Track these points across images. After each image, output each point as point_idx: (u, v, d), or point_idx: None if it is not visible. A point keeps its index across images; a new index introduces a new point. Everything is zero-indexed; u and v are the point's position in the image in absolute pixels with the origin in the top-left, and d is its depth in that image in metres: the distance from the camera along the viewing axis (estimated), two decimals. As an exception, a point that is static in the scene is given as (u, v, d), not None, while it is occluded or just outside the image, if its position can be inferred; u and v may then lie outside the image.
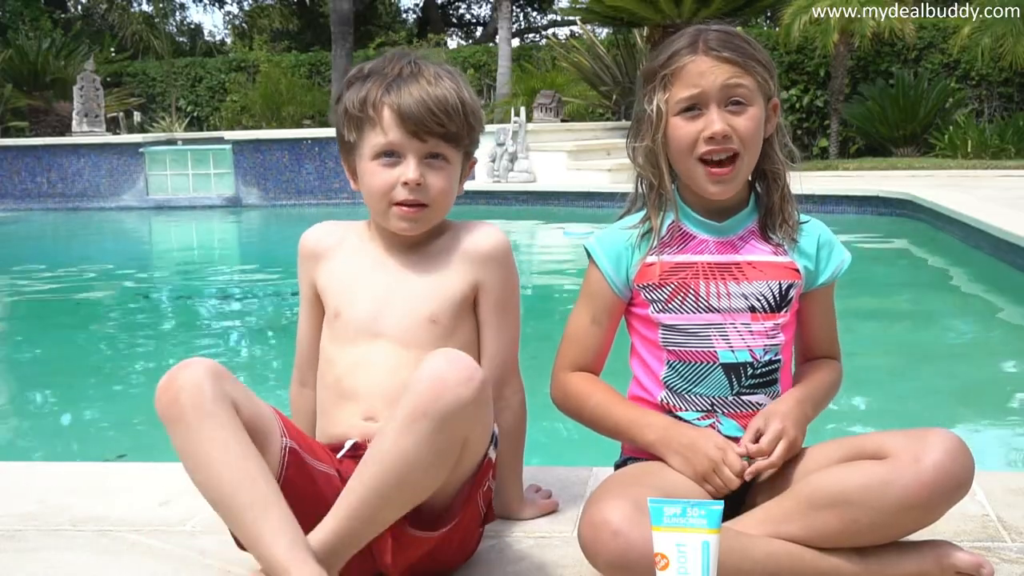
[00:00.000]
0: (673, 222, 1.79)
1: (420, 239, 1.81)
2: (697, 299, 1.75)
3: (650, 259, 1.78)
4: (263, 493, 1.49)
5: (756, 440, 1.67)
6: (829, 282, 1.82)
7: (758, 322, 1.75)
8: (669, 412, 1.77)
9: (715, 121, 1.68)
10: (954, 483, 1.53)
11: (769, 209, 1.79)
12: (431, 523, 1.59)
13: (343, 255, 1.84)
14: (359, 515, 1.50)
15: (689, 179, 1.76)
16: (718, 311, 1.74)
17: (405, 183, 1.71)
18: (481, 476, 1.64)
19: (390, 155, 1.73)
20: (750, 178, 1.80)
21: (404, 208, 1.73)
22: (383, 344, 1.75)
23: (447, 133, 1.72)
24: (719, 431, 1.73)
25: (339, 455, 1.70)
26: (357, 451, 1.69)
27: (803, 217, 1.81)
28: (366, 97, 1.73)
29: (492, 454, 1.65)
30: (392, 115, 1.70)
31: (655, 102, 1.73)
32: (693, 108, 1.70)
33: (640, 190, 1.82)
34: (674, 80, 1.71)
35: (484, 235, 1.81)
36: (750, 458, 1.66)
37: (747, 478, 1.66)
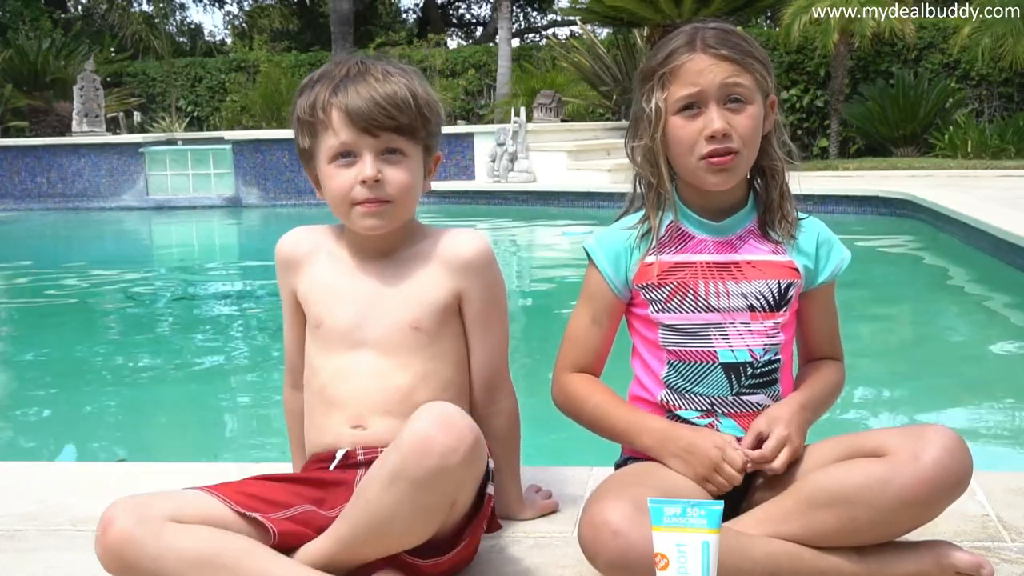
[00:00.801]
0: (672, 222, 1.78)
1: (396, 244, 1.78)
2: (696, 299, 1.75)
3: (649, 259, 1.77)
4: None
5: (758, 443, 1.67)
6: (829, 281, 1.82)
7: (757, 321, 1.75)
8: (669, 411, 1.77)
9: (715, 119, 1.68)
10: (953, 480, 1.53)
11: (768, 206, 1.78)
12: (430, 554, 1.57)
13: (320, 262, 1.81)
14: (345, 547, 1.52)
15: (689, 176, 1.75)
16: (717, 310, 1.74)
17: (363, 181, 1.68)
18: (483, 513, 1.60)
19: (346, 155, 1.70)
20: (748, 176, 1.80)
21: (367, 205, 1.70)
22: (366, 352, 1.74)
23: (399, 126, 1.69)
24: (717, 431, 1.73)
25: (332, 466, 1.69)
26: (348, 460, 1.69)
27: (801, 215, 1.81)
28: (315, 101, 1.71)
29: (490, 489, 1.60)
30: (341, 115, 1.68)
31: (653, 101, 1.72)
32: (692, 107, 1.70)
33: (639, 190, 1.82)
34: (672, 79, 1.70)
35: (465, 242, 1.77)
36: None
37: (748, 470, 1.66)
